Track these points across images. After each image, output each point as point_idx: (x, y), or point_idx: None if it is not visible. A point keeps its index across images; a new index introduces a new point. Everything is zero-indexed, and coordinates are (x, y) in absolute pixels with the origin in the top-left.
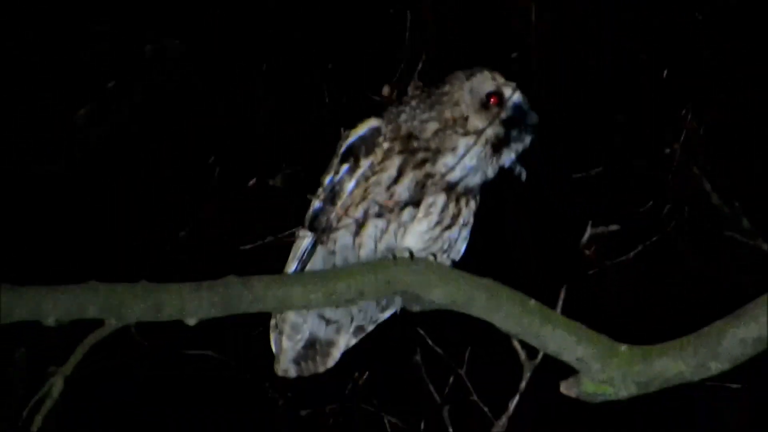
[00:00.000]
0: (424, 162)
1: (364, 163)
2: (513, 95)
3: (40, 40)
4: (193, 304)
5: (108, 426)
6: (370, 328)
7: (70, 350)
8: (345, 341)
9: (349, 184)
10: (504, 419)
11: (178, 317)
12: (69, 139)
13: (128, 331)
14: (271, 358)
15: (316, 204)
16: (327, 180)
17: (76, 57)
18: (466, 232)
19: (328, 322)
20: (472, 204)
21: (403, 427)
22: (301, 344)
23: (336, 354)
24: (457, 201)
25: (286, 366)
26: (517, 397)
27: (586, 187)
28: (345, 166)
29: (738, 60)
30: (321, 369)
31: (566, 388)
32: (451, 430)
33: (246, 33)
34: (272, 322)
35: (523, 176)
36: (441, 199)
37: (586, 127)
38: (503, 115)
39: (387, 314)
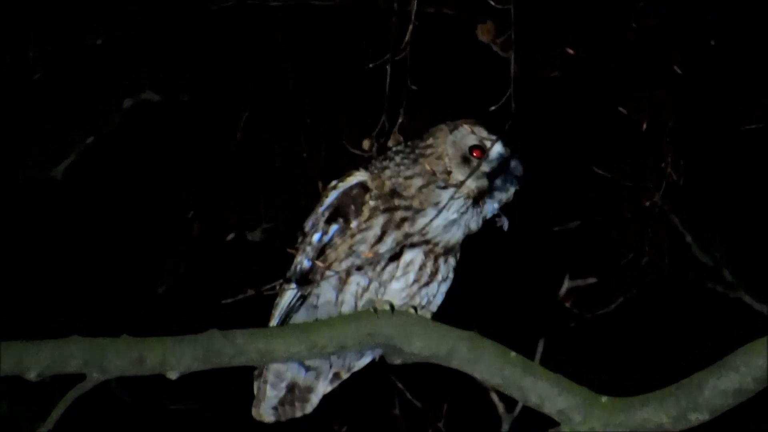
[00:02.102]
0: (403, 221)
1: (354, 223)
2: (495, 147)
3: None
4: (175, 357)
5: None
6: (346, 375)
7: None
8: (323, 387)
9: (339, 243)
10: None
11: (160, 371)
12: (49, 193)
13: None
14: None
15: (304, 261)
16: (315, 238)
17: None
18: (445, 287)
19: (308, 368)
20: (452, 261)
21: None
22: (283, 391)
23: (314, 400)
24: (436, 259)
25: (263, 411)
26: None
27: (564, 240)
28: (334, 226)
29: (719, 109)
30: (299, 414)
31: None
32: None
33: (225, 84)
34: (255, 371)
35: (506, 226)
36: (419, 257)
37: (564, 179)
38: (486, 167)
39: (364, 361)
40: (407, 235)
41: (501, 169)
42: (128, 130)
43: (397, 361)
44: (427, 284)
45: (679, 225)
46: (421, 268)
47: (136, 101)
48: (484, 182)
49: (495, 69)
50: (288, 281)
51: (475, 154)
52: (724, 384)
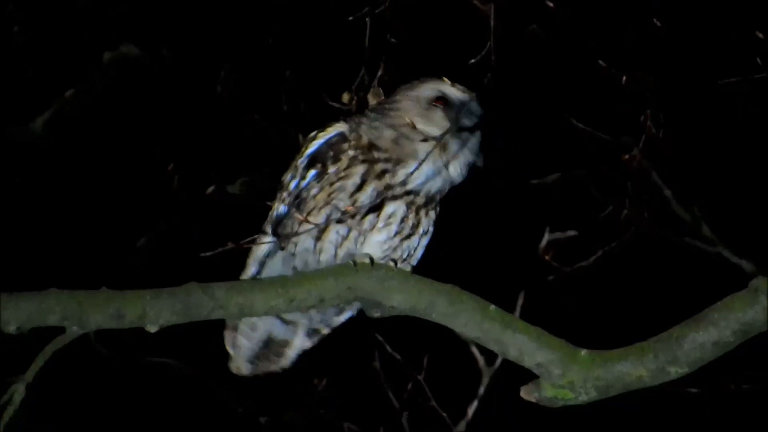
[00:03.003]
0: (384, 173)
1: (332, 170)
2: (455, 94)
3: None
4: (154, 311)
5: None
6: (326, 331)
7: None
8: (300, 342)
9: (314, 190)
10: (463, 425)
11: (139, 324)
12: (29, 144)
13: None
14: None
15: (279, 208)
16: (292, 185)
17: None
18: (425, 241)
19: (285, 322)
20: (432, 214)
21: None
22: (257, 343)
23: (291, 354)
24: (417, 212)
25: (240, 364)
26: (475, 403)
27: (544, 193)
28: (312, 172)
29: (701, 62)
30: (275, 368)
31: (526, 393)
32: None
33: (205, 38)
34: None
35: (480, 162)
36: (401, 209)
37: (544, 132)
38: (451, 116)
39: (343, 317)
40: (388, 187)
41: (463, 114)
42: (108, 84)
43: (377, 314)
44: (408, 237)
45: (657, 179)
46: (403, 220)
47: (116, 55)
48: (450, 129)
49: (475, 22)
50: (265, 232)
51: (436, 104)
52: (702, 337)
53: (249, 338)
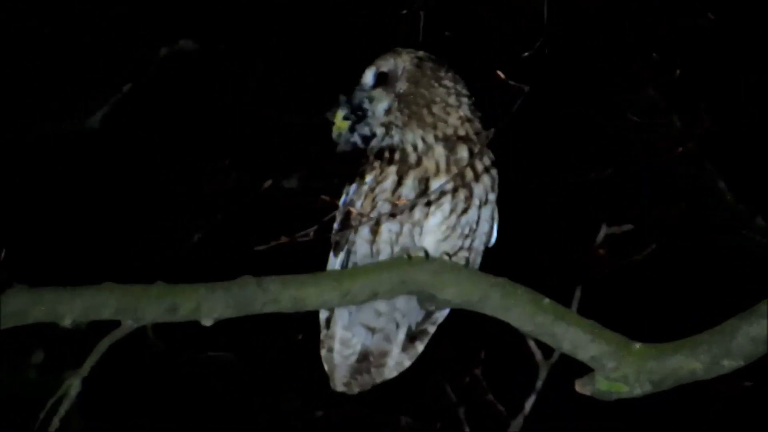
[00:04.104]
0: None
1: (368, 179)
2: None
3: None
4: (208, 304)
5: (122, 427)
6: (426, 337)
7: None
8: (398, 349)
9: (359, 202)
10: (520, 419)
11: (193, 318)
12: (84, 141)
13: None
14: (285, 359)
15: (335, 225)
16: (340, 202)
17: (91, 53)
18: (487, 212)
19: (373, 331)
20: (486, 180)
21: (418, 427)
22: (353, 358)
23: (391, 363)
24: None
25: (341, 382)
26: (533, 397)
27: (599, 188)
28: (353, 186)
29: (752, 57)
30: (378, 380)
31: (581, 386)
32: (467, 429)
33: (262, 35)
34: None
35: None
36: (447, 185)
37: (599, 128)
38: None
39: (439, 318)
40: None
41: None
42: (165, 78)
43: (431, 307)
44: (464, 212)
45: (712, 171)
46: (454, 195)
47: (173, 50)
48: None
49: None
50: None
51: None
52: (755, 331)
53: (344, 355)
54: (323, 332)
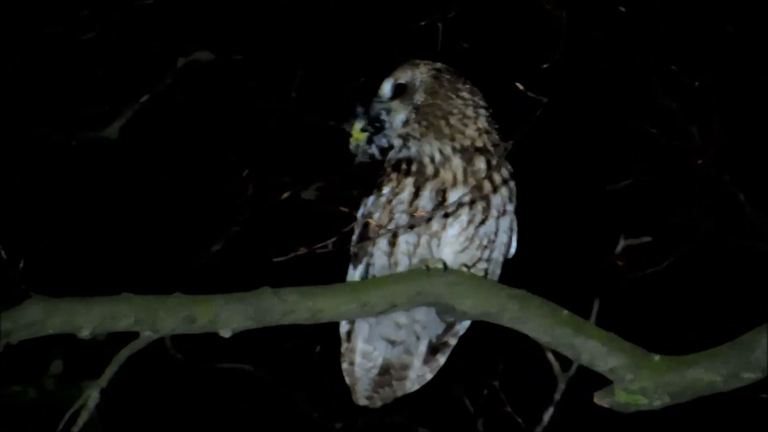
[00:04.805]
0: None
1: (385, 190)
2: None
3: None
4: (226, 315)
5: None
6: (450, 345)
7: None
8: (419, 362)
9: (377, 214)
10: (538, 430)
11: (212, 329)
12: (103, 152)
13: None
14: (307, 372)
15: (353, 237)
16: (358, 213)
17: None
18: (506, 223)
19: (393, 343)
20: (504, 191)
21: None
22: (375, 371)
23: (412, 376)
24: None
25: (364, 395)
26: (551, 409)
27: (618, 199)
28: (371, 198)
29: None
30: (399, 393)
31: (599, 398)
32: None
33: (278, 42)
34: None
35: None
36: (465, 197)
37: (618, 140)
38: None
39: (460, 330)
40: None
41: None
42: (181, 89)
43: (449, 319)
44: (482, 223)
45: (730, 184)
46: (471, 206)
47: (189, 60)
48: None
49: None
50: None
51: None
52: None
53: (366, 369)
54: (344, 345)
